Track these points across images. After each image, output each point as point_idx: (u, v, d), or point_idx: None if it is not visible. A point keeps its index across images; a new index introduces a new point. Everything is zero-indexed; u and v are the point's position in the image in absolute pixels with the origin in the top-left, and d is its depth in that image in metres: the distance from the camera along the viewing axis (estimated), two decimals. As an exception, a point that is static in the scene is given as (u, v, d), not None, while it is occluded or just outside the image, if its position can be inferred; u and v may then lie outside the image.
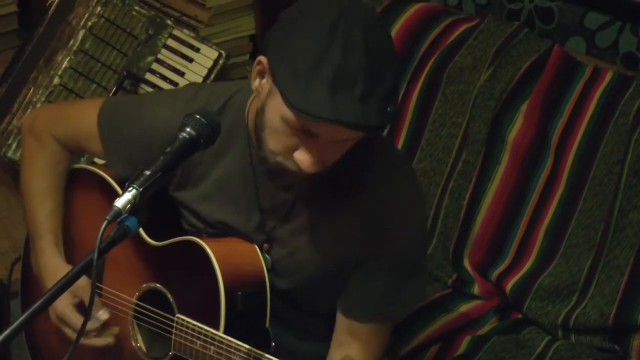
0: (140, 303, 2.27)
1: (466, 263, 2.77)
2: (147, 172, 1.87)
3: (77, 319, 2.26)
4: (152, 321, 2.25)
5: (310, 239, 2.17)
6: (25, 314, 1.76)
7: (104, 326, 2.30)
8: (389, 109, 1.94)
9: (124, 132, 2.26)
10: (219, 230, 2.23)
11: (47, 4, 3.13)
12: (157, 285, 2.24)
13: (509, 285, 2.70)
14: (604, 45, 2.87)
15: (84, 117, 2.33)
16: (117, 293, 2.31)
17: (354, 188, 2.15)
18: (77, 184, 2.41)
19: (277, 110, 1.96)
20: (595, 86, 2.75)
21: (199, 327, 2.14)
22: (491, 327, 2.66)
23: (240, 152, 2.18)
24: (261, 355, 2.07)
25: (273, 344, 2.17)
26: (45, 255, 2.33)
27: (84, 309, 2.28)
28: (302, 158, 1.98)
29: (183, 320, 2.16)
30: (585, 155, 2.70)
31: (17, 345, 2.60)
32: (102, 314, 2.27)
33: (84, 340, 2.28)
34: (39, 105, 2.98)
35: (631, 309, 2.55)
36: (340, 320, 2.21)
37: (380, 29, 1.96)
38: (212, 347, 2.12)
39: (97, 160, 2.97)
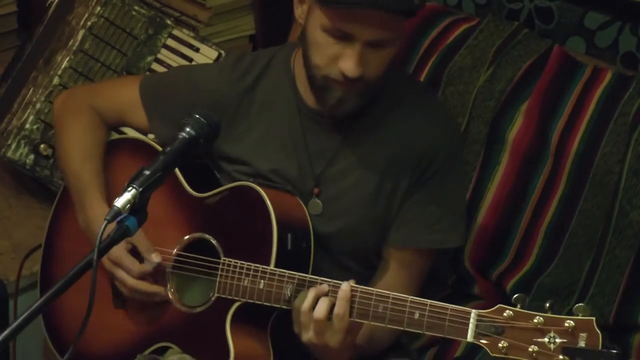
0: (183, 253, 2.34)
1: (466, 263, 2.77)
2: (147, 172, 1.88)
3: (131, 262, 2.34)
4: (194, 268, 2.32)
5: (358, 178, 2.31)
6: (25, 314, 1.76)
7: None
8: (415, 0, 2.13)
9: (172, 93, 2.40)
10: (267, 181, 2.34)
11: (47, 4, 3.13)
12: (203, 234, 2.32)
13: (509, 285, 2.70)
14: (604, 45, 2.86)
15: (125, 89, 2.47)
16: (156, 248, 2.36)
17: (394, 122, 2.32)
18: (118, 153, 2.48)
19: (317, 23, 2.16)
20: (595, 86, 2.75)
21: (247, 264, 2.23)
22: (491, 327, 2.66)
23: (287, 101, 2.35)
24: (315, 279, 2.17)
25: None
26: (96, 208, 2.38)
27: (137, 254, 2.35)
28: (345, 63, 2.15)
29: (230, 261, 2.25)
30: (585, 155, 2.70)
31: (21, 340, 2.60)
32: (155, 257, 2.34)
33: (140, 286, 2.34)
34: (38, 105, 2.98)
35: (631, 308, 2.55)
36: (390, 255, 2.35)
37: None
38: (262, 280, 2.21)
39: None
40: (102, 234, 1.80)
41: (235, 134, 2.37)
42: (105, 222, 1.81)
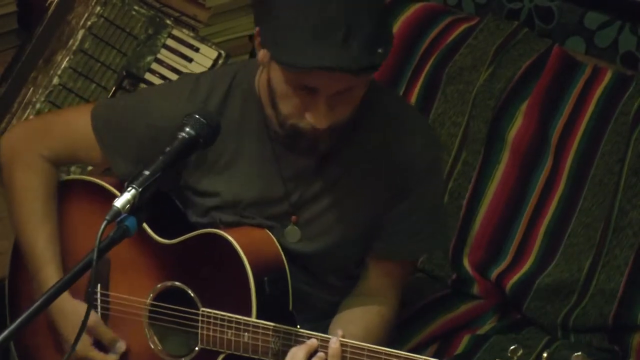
0: (157, 303, 2.26)
1: (466, 262, 2.77)
2: (147, 172, 1.88)
3: (101, 356, 2.29)
4: (173, 319, 2.25)
5: (335, 198, 2.23)
6: (25, 314, 1.76)
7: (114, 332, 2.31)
8: (379, 50, 1.99)
9: (128, 131, 2.24)
10: (237, 212, 2.24)
11: (47, 4, 3.13)
12: (175, 282, 2.24)
13: (508, 285, 2.70)
14: (604, 45, 2.86)
15: (76, 125, 2.30)
16: (128, 297, 2.30)
17: (369, 137, 2.22)
18: (70, 196, 2.36)
19: (279, 74, 2.04)
20: (595, 86, 2.75)
21: (228, 316, 2.16)
22: (491, 327, 2.66)
23: (255, 127, 2.21)
24: (301, 333, 2.11)
25: (298, 326, 2.17)
26: (50, 284, 2.19)
27: (102, 346, 2.29)
28: (312, 116, 2.04)
29: (210, 312, 2.18)
30: (585, 155, 2.70)
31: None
32: (120, 347, 2.28)
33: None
34: (38, 105, 2.98)
35: (631, 308, 2.55)
36: (372, 264, 2.28)
37: None
38: (246, 333, 2.14)
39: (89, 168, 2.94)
40: (101, 234, 1.79)
41: (202, 165, 2.23)
42: (105, 222, 1.81)
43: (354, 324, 2.22)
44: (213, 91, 2.22)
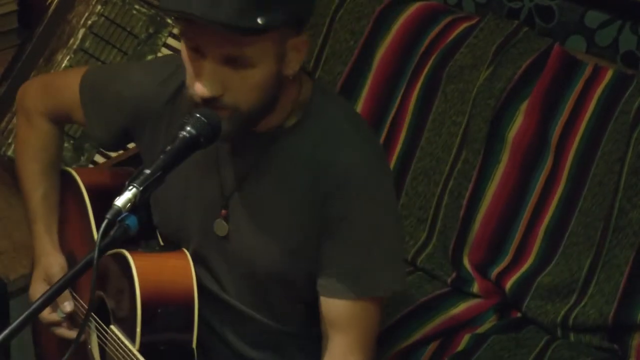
0: (84, 307, 2.28)
1: (466, 262, 2.77)
2: (147, 171, 1.87)
3: (49, 316, 2.31)
4: (97, 329, 2.25)
5: (269, 204, 2.10)
6: (25, 314, 1.76)
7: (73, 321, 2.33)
8: (259, 19, 1.84)
9: (102, 94, 2.24)
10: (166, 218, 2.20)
11: (47, 3, 3.13)
12: (102, 293, 2.24)
13: (508, 284, 2.70)
14: (604, 44, 2.87)
15: (69, 86, 2.31)
16: (76, 296, 2.33)
17: (308, 147, 2.05)
18: (65, 185, 2.41)
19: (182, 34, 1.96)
20: (595, 85, 2.75)
21: (120, 341, 2.12)
22: (490, 326, 2.66)
23: None
24: None
25: None
26: (37, 240, 2.37)
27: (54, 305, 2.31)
28: (199, 82, 1.92)
29: (114, 332, 2.15)
30: (585, 154, 2.70)
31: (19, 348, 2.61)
32: (67, 306, 2.31)
33: (57, 330, 2.33)
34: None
35: (630, 308, 2.55)
36: (322, 305, 2.10)
37: None
38: None
39: (97, 159, 2.98)
40: (102, 233, 1.79)
41: (155, 150, 2.13)
42: (106, 220, 1.81)
43: None
44: (178, 70, 2.11)
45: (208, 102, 1.93)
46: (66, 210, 2.41)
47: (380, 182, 2.09)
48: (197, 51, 1.92)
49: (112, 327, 2.16)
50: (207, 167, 2.14)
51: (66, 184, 2.41)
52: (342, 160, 2.03)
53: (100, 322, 2.23)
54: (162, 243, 2.28)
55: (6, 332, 1.73)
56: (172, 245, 2.23)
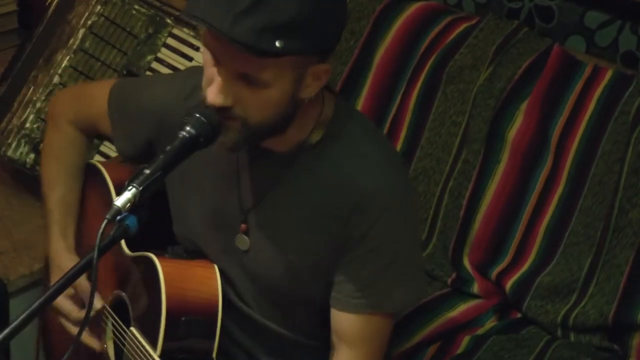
0: (108, 308, 2.27)
1: (466, 262, 2.77)
2: (147, 171, 1.87)
3: (70, 307, 2.29)
4: (115, 329, 2.25)
5: (289, 219, 2.10)
6: (25, 313, 1.77)
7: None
8: (277, 43, 1.81)
9: (126, 106, 2.27)
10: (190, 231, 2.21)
11: (47, 3, 3.13)
12: (122, 294, 2.24)
13: (508, 284, 2.70)
14: (604, 44, 2.87)
15: (99, 96, 2.34)
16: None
17: (332, 164, 2.05)
18: (88, 179, 2.43)
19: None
20: (595, 85, 2.75)
21: (142, 344, 2.11)
22: (491, 326, 2.66)
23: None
24: None
25: None
26: (52, 241, 2.37)
27: (80, 301, 2.30)
28: (210, 87, 1.92)
29: (134, 334, 2.15)
30: (585, 154, 2.70)
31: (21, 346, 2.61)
32: (97, 302, 2.27)
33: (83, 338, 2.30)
34: (38, 104, 2.98)
35: (631, 308, 2.55)
36: (333, 317, 2.12)
37: None
38: None
39: (97, 159, 2.98)
40: (101, 233, 1.79)
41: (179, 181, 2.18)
42: (106, 220, 1.81)
43: None
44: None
45: (218, 110, 1.93)
46: (93, 205, 2.40)
47: (403, 203, 2.08)
48: (213, 56, 1.92)
49: (132, 329, 2.16)
50: (227, 180, 2.15)
51: (93, 178, 2.42)
52: (363, 181, 2.03)
53: (119, 322, 2.23)
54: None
55: (7, 331, 1.73)
56: (198, 252, 2.23)
